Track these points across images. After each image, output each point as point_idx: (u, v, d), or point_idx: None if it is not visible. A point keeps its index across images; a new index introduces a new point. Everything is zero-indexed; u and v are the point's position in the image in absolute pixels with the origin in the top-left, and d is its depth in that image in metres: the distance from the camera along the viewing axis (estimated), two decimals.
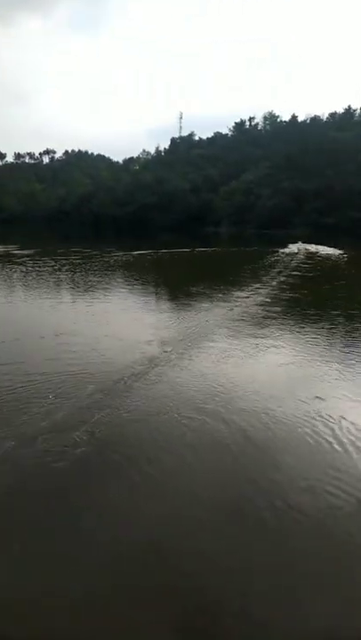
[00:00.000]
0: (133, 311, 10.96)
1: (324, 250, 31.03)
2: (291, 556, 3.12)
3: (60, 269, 18.60)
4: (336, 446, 4.44)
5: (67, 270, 18.38)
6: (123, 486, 3.84)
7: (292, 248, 32.65)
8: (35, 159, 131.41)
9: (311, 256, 26.89)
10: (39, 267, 19.38)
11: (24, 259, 22.69)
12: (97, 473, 4.02)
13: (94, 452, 4.26)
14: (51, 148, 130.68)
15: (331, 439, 4.56)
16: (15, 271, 18.35)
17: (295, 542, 3.23)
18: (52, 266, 19.65)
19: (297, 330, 9.15)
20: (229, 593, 2.80)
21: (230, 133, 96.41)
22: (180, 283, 16.61)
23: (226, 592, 2.81)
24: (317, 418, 5.04)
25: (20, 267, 19.59)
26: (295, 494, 3.72)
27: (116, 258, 23.48)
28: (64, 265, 19.95)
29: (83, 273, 17.67)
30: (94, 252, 26.93)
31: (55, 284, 15.01)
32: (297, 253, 28.57)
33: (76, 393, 5.54)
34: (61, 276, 16.78)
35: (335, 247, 32.05)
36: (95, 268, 19.08)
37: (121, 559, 3.06)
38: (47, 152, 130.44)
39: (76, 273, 17.69)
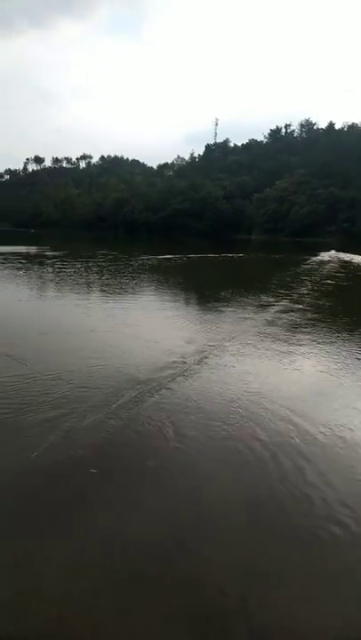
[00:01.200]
0: (154, 313, 10.72)
1: (358, 259, 30.13)
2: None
3: (85, 271, 18.71)
4: None
5: (90, 272, 18.45)
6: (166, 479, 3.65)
7: (325, 256, 31.92)
8: (72, 164, 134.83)
9: (345, 265, 26.13)
10: (66, 267, 19.61)
11: (53, 260, 23.08)
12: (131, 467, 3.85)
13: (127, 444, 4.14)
14: (87, 153, 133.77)
15: None
16: (44, 271, 18.66)
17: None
18: (78, 267, 19.81)
19: (331, 337, 8.66)
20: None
21: (266, 140, 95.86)
22: (203, 287, 16.35)
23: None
24: None
25: (48, 267, 19.94)
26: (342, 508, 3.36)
27: (141, 261, 23.44)
28: (90, 267, 20.07)
29: (105, 275, 17.67)
30: (121, 256, 27.04)
31: (78, 285, 15.02)
32: (330, 261, 27.86)
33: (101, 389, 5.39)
34: (85, 277, 16.82)
35: None
36: (119, 271, 19.07)
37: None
38: (84, 157, 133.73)
39: (98, 275, 17.71)
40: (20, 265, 20.52)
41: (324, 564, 2.85)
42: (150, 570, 2.76)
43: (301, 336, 8.64)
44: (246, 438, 4.37)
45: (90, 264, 21.13)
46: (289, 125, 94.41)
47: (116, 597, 2.55)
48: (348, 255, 32.59)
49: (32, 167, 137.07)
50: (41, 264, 21.30)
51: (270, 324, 9.58)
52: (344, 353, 7.47)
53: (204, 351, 7.21)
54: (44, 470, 3.72)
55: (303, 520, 3.23)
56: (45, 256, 25.68)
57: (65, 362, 6.47)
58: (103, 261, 22.71)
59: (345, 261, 28.28)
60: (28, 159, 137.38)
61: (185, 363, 6.56)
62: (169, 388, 5.53)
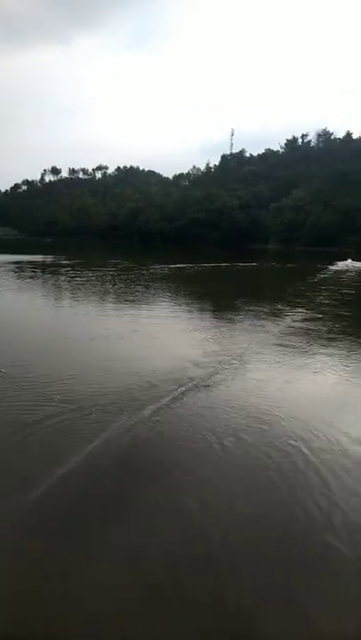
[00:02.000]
0: (165, 321, 10.45)
1: None
2: None
3: (97, 280, 18.59)
4: None
5: (103, 281, 18.32)
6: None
7: (341, 265, 31.43)
8: (88, 175, 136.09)
9: None
10: (79, 277, 19.55)
11: (67, 269, 23.06)
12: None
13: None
14: (103, 164, 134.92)
15: None
16: (57, 280, 18.70)
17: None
18: (90, 276, 19.71)
19: (347, 347, 8.33)
20: None
21: (282, 150, 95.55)
22: (215, 296, 16.07)
23: None
24: None
25: (62, 276, 19.93)
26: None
27: (152, 270, 23.23)
28: (102, 276, 19.95)
29: (117, 284, 17.53)
30: (132, 265, 26.92)
31: (90, 293, 14.85)
32: (346, 271, 27.41)
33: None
34: (98, 286, 16.67)
35: None
36: (131, 280, 18.90)
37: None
38: (100, 168, 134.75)
39: (111, 284, 17.57)
40: (34, 274, 20.56)
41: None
42: None
43: (317, 345, 8.30)
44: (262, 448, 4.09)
45: (102, 273, 21.02)
46: (306, 135, 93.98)
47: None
48: None
49: (49, 178, 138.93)
50: (54, 273, 21.29)
51: (285, 332, 9.26)
52: None
53: (213, 357, 6.96)
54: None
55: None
56: (60, 265, 25.71)
57: (75, 366, 6.51)
58: (115, 270, 22.59)
59: None
60: (45, 170, 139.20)
61: (194, 370, 6.32)
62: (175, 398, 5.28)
